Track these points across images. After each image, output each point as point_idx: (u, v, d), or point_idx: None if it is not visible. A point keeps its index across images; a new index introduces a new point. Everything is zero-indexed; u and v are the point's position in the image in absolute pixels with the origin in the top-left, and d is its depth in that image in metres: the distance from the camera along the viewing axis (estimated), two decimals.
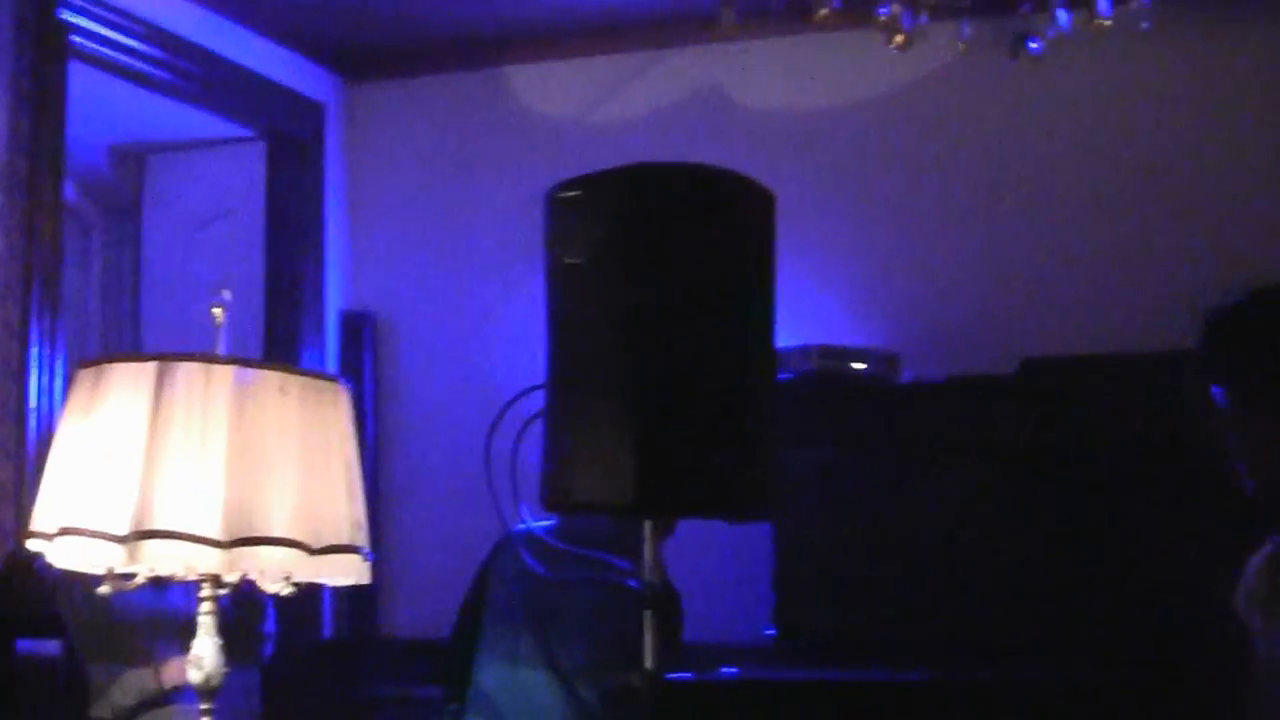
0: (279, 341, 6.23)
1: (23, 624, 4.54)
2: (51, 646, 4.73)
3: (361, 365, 6.52)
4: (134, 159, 6.72)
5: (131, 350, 5.83)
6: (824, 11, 4.88)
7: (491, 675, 4.43)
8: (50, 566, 3.50)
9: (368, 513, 3.71)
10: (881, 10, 4.88)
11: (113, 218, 6.70)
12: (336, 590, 5.13)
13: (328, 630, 5.87)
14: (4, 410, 4.53)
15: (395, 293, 6.65)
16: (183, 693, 4.59)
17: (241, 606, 4.19)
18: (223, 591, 3.60)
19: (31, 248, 4.57)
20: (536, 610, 4.38)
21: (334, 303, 6.54)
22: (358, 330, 6.58)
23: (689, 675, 4.80)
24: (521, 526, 4.41)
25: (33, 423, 4.57)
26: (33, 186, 4.61)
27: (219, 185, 6.74)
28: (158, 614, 4.45)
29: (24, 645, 4.64)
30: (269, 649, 4.98)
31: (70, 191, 5.84)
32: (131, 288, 6.51)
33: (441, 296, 6.51)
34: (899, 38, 4.87)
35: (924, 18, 4.90)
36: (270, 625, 5.00)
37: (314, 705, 5.87)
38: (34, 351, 4.58)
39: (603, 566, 4.39)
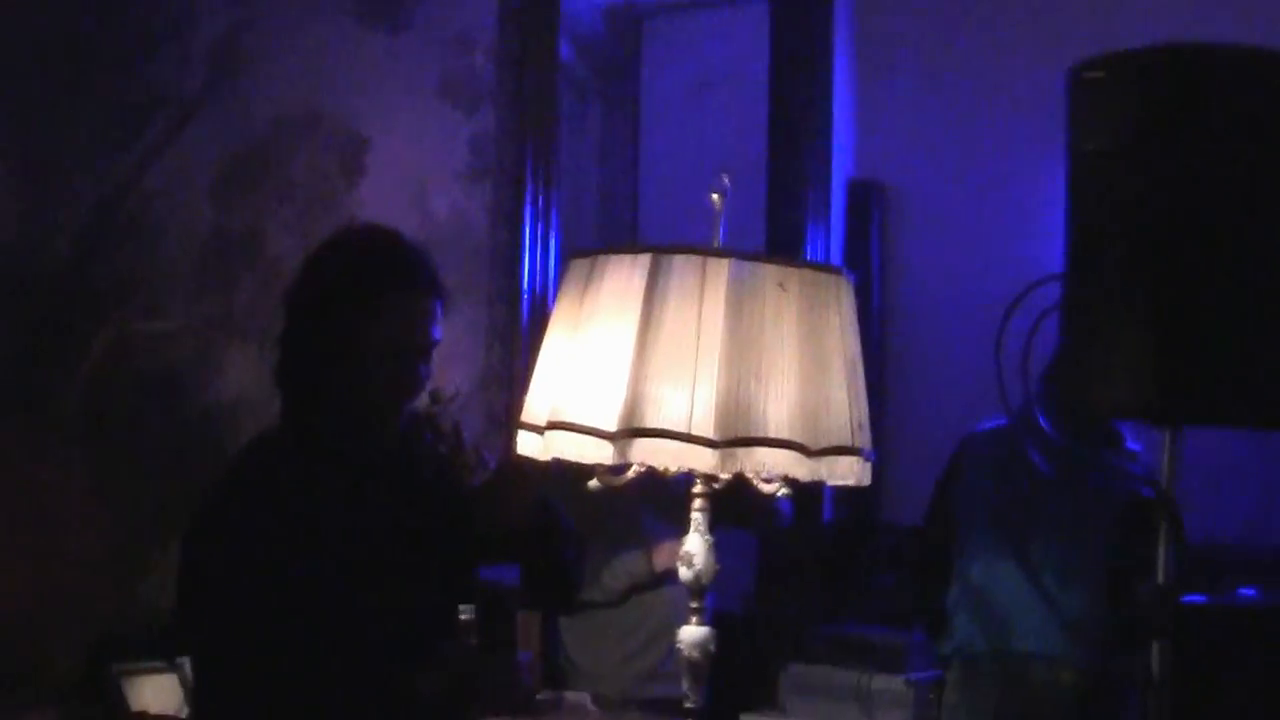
0: (782, 211, 6.06)
1: None
2: None
3: (868, 236, 6.31)
4: (631, 21, 6.63)
5: (629, 225, 5.75)
6: None
7: (981, 569, 4.23)
8: None
9: (871, 395, 3.55)
10: None
11: (610, 81, 6.62)
12: None
13: (828, 513, 5.74)
14: (497, 293, 4.51)
15: (904, 162, 6.38)
16: (676, 576, 4.53)
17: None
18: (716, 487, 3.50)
19: (525, 124, 4.51)
20: (1040, 509, 4.17)
21: (840, 171, 6.32)
22: (864, 200, 6.36)
23: (1202, 598, 4.45)
24: (1024, 422, 4.25)
25: (526, 306, 4.54)
26: (526, 53, 4.53)
27: (719, 48, 6.58)
28: (651, 494, 4.37)
29: None
30: (777, 519, 4.85)
31: (566, 51, 5.78)
32: (629, 155, 6.43)
33: (953, 168, 6.20)
34: None
35: None
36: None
37: (807, 588, 5.78)
38: (527, 231, 4.54)
39: (1117, 472, 4.14)
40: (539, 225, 4.58)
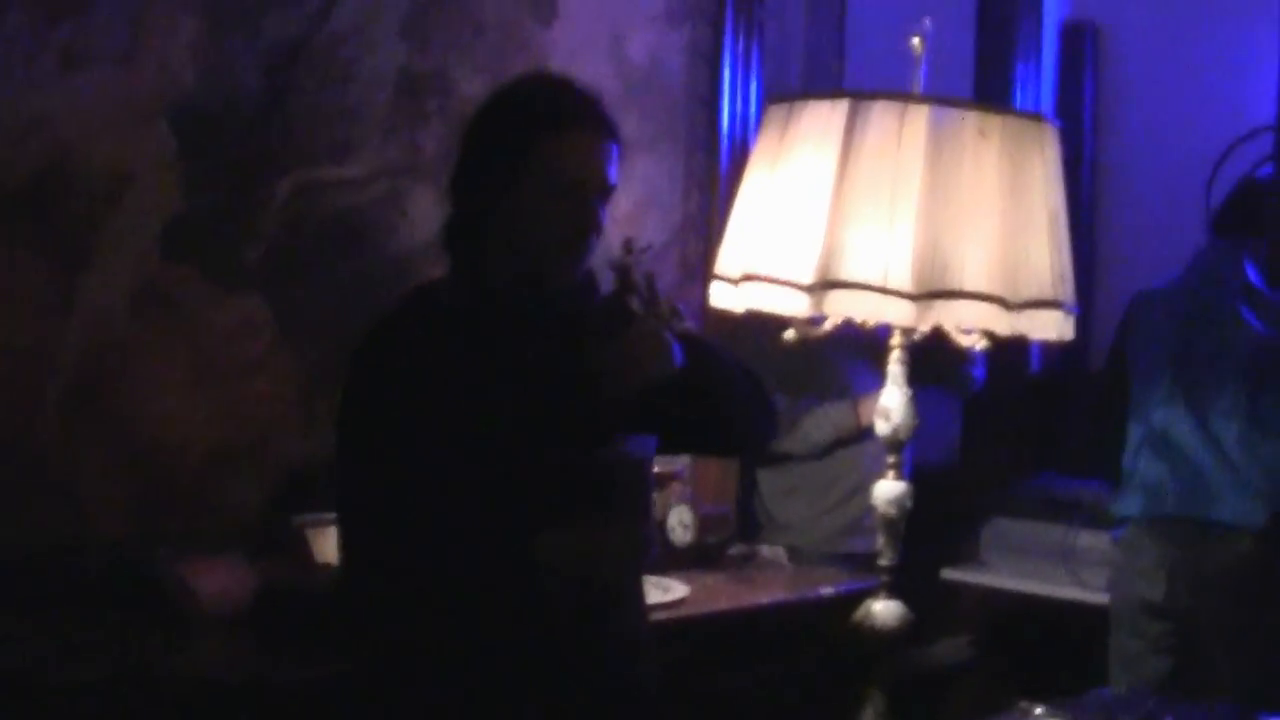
0: (991, 55, 5.85)
1: None
2: None
3: (1081, 82, 6.08)
4: None
5: (835, 72, 5.58)
6: None
7: (1156, 429, 4.11)
8: None
9: (1081, 246, 3.42)
10: None
11: None
12: None
13: (1035, 365, 5.60)
14: (694, 138, 4.42)
15: (1119, 2, 6.12)
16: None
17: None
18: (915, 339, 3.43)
19: None
20: (1239, 364, 4.02)
21: (1053, 12, 6.09)
22: (1078, 43, 6.12)
23: None
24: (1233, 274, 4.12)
25: (726, 153, 4.44)
26: None
27: None
28: (858, 347, 4.28)
29: None
30: (978, 376, 4.75)
31: None
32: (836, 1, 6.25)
33: (1171, 9, 5.94)
34: None
35: None
36: (977, 357, 4.78)
37: (1014, 437, 5.67)
38: (726, 75, 4.42)
39: None
40: (739, 69, 4.45)
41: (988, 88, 5.74)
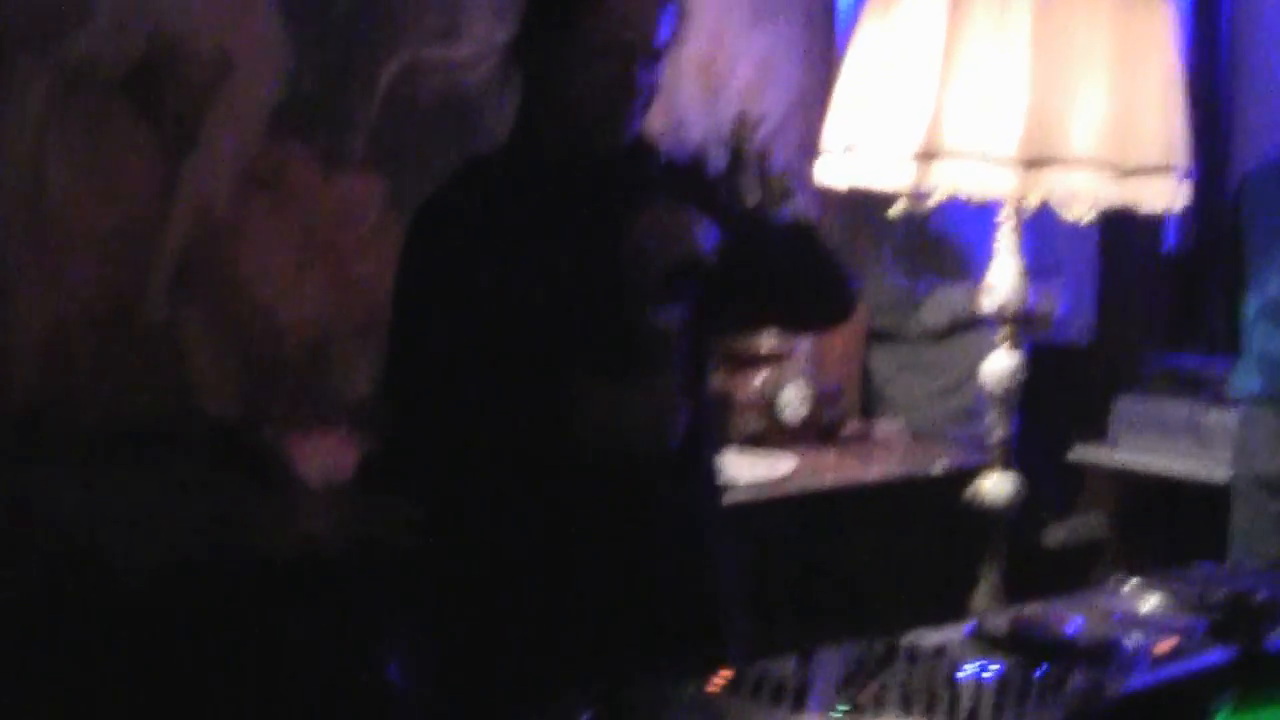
0: None
1: None
2: None
3: None
4: None
5: None
6: None
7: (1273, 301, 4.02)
8: None
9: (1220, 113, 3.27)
10: None
11: None
12: None
13: (1173, 240, 5.47)
14: (814, 9, 4.33)
15: None
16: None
17: None
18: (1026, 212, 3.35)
19: None
20: None
21: None
22: None
23: None
24: None
25: (845, 24, 4.35)
26: None
27: None
28: (983, 228, 4.21)
29: None
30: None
31: None
32: None
33: None
34: None
35: None
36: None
37: (1149, 317, 5.55)
38: None
39: None
40: None
41: None
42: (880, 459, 3.91)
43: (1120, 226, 5.30)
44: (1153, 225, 5.10)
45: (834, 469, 3.72)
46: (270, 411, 3.39)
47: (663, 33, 2.44)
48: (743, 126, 4.05)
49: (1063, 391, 5.30)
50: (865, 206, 3.90)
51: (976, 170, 3.13)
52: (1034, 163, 3.09)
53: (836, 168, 3.34)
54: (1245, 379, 4.07)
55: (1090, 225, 3.77)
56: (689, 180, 2.58)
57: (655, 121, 3.93)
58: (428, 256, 2.46)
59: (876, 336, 4.63)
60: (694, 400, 2.43)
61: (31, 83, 3.11)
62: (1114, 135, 3.12)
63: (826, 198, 4.30)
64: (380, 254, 3.53)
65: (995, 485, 3.42)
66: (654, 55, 2.44)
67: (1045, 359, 5.10)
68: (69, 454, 3.11)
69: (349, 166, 3.50)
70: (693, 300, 2.40)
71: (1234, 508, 4.12)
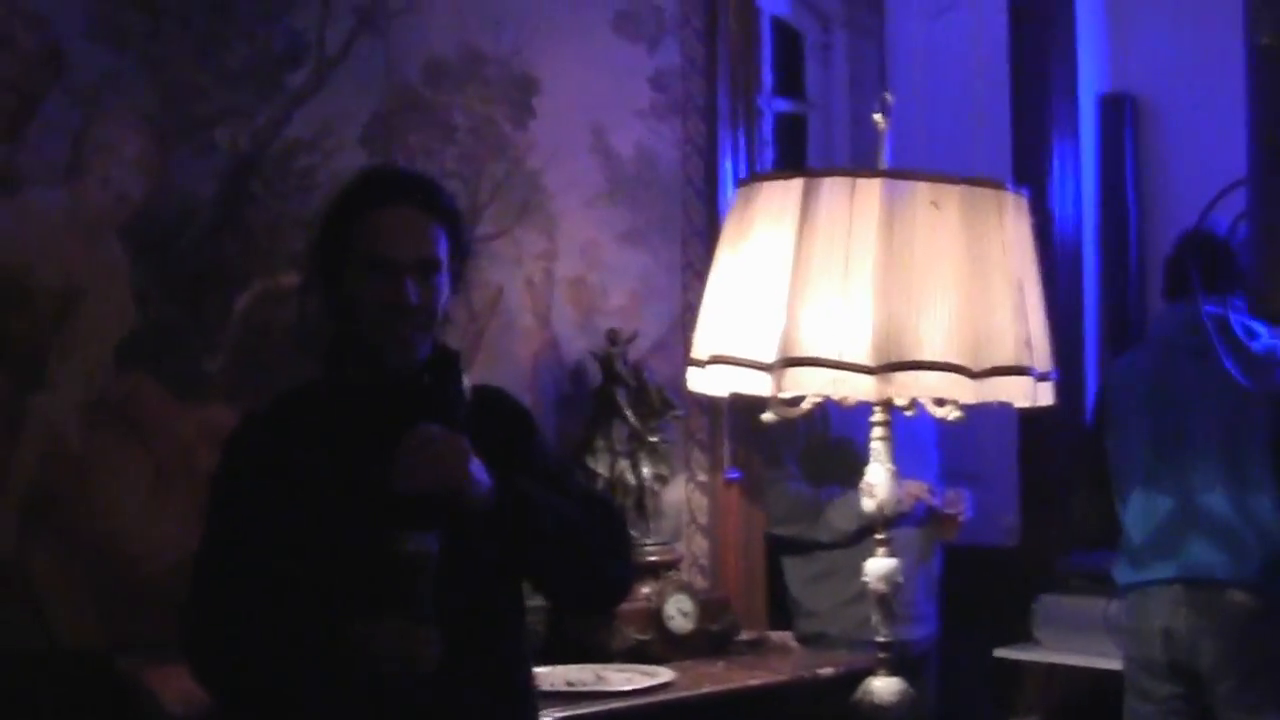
0: (1026, 128, 5.84)
1: None
2: None
3: (1121, 152, 6.04)
4: None
5: (869, 154, 5.62)
6: None
7: (1144, 493, 4.13)
8: None
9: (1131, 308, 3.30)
10: None
11: (853, 7, 6.49)
12: None
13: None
14: (691, 228, 4.43)
15: (1159, 73, 6.07)
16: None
17: None
18: (905, 412, 3.40)
19: (715, 56, 4.40)
20: (1221, 421, 4.06)
21: (1090, 86, 6.06)
22: (1118, 115, 6.08)
23: None
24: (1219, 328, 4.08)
25: None
26: None
27: None
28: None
29: None
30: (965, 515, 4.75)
31: None
32: (876, 81, 6.28)
33: (1207, 79, 5.88)
34: None
35: None
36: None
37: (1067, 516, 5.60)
38: (728, 166, 4.45)
39: None
40: (736, 159, 4.48)
41: (1023, 162, 5.74)
42: (770, 666, 3.89)
43: (1038, 431, 5.40)
44: (1071, 429, 5.19)
45: (716, 678, 3.70)
46: (131, 641, 3.39)
47: (434, 249, 2.54)
48: (614, 342, 4.12)
49: (989, 593, 5.36)
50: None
51: (831, 376, 3.19)
52: (887, 366, 3.15)
53: (705, 377, 3.40)
54: (1122, 571, 4.20)
55: (1011, 430, 3.88)
56: (500, 413, 2.66)
57: (533, 339, 4.07)
58: (226, 486, 2.57)
59: (786, 544, 4.66)
60: (469, 635, 2.50)
61: None
62: (964, 339, 3.18)
63: (716, 408, 4.38)
64: None
65: (884, 686, 3.42)
66: (429, 267, 2.53)
67: (972, 562, 5.18)
68: None
69: (203, 394, 3.57)
70: (449, 532, 2.44)
71: (1125, 695, 4.21)
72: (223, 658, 2.48)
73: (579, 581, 2.68)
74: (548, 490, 2.64)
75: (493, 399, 2.72)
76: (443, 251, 2.56)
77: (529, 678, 2.80)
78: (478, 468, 2.44)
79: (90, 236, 3.43)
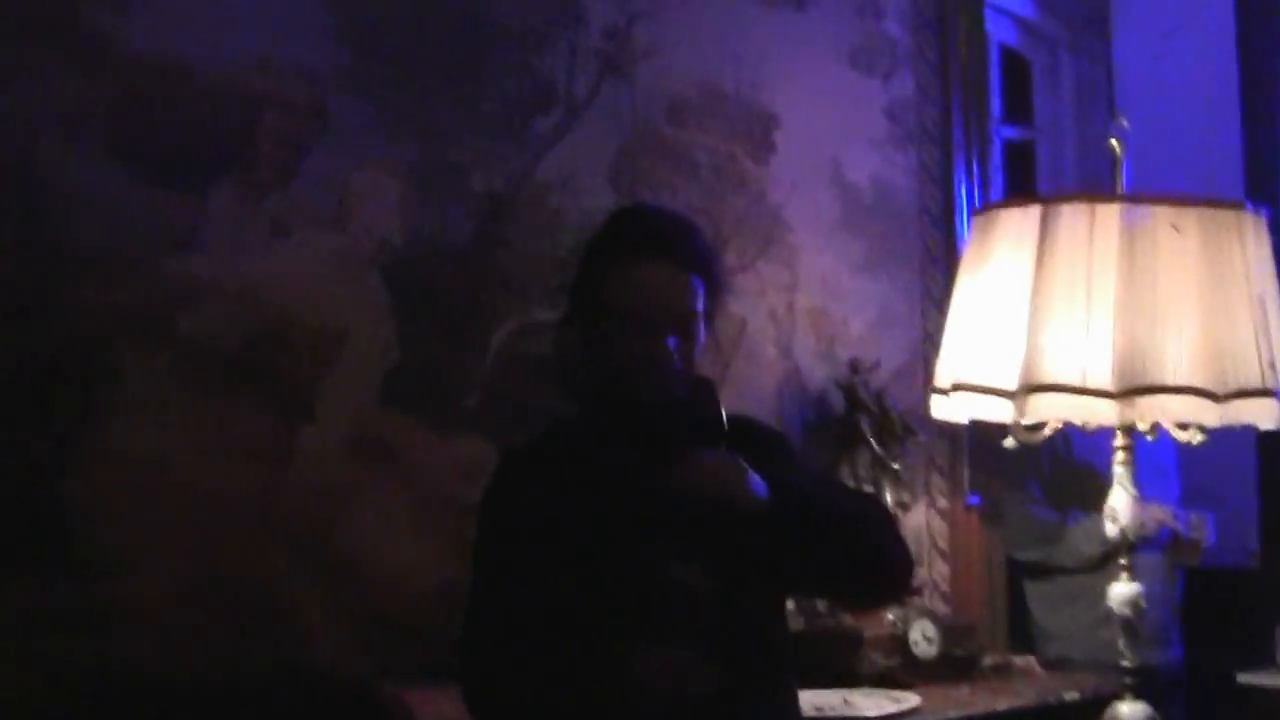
0: (1257, 150, 5.77)
1: None
2: None
3: None
4: None
5: (1097, 178, 5.58)
6: None
7: None
8: None
9: None
10: None
11: (1078, 31, 6.46)
12: None
13: None
14: (929, 257, 4.48)
15: None
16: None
17: None
18: (1147, 436, 3.41)
19: (948, 86, 4.46)
20: None
21: None
22: None
23: None
24: None
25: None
26: (945, 15, 4.51)
27: None
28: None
29: None
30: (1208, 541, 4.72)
31: (1031, 9, 5.68)
32: (1105, 105, 6.25)
33: None
34: None
35: None
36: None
37: None
38: (963, 193, 4.49)
39: None
40: (970, 187, 4.52)
41: (1256, 184, 5.67)
42: (1014, 690, 3.90)
43: (1278, 451, 5.31)
44: None
45: (962, 703, 3.73)
46: (392, 669, 3.50)
47: (692, 304, 2.57)
48: (856, 371, 4.18)
49: (1229, 616, 5.27)
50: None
51: (1074, 402, 3.22)
52: (1130, 391, 3.17)
53: (948, 404, 3.45)
54: None
55: (1248, 451, 3.83)
56: (756, 440, 2.66)
57: (776, 369, 4.14)
58: (493, 522, 2.64)
59: (1028, 569, 4.68)
60: (740, 661, 2.51)
61: (152, 359, 3.32)
62: (1208, 361, 3.18)
63: (956, 434, 4.41)
64: None
65: (1130, 712, 3.43)
66: (685, 321, 2.57)
67: (1211, 584, 5.11)
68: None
69: (461, 428, 3.69)
70: (728, 558, 2.46)
71: None
72: (501, 692, 2.55)
73: (865, 569, 2.61)
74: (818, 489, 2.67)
75: (747, 426, 2.72)
76: (699, 303, 2.59)
77: (796, 706, 2.83)
78: (755, 481, 2.44)
79: (355, 278, 3.58)
